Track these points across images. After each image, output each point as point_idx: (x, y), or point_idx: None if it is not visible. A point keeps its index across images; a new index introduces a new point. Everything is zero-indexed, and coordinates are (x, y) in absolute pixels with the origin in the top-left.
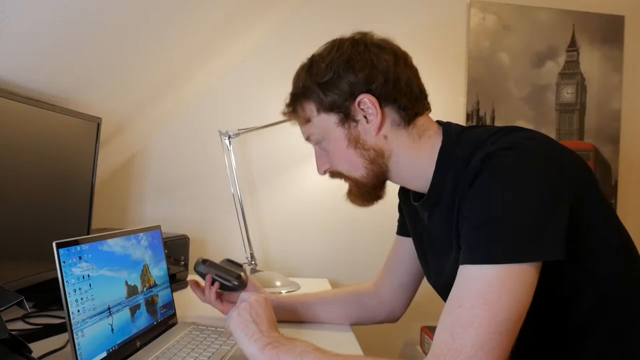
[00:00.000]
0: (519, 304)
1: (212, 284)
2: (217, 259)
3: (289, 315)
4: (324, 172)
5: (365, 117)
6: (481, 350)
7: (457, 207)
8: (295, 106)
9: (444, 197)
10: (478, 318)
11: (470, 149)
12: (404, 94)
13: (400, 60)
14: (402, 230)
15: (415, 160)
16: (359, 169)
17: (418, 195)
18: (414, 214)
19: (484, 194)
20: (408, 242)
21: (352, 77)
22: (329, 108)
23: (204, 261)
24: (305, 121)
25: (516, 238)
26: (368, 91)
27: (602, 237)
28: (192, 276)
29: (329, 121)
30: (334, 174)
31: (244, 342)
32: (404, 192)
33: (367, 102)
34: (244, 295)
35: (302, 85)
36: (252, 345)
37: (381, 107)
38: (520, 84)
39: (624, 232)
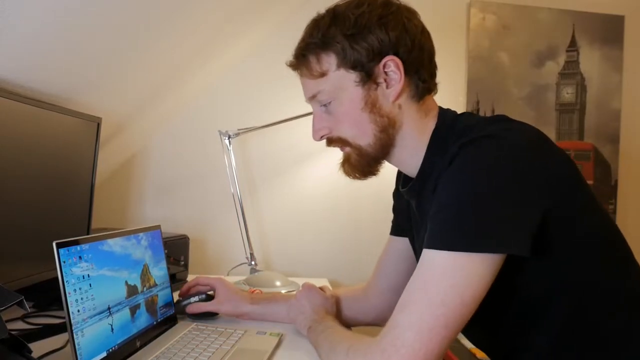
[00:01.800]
0: (460, 292)
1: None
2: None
3: (276, 316)
4: (321, 138)
5: (386, 81)
6: (410, 330)
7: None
8: (308, 56)
9: (429, 183)
10: (415, 300)
11: (458, 136)
12: (425, 66)
13: (425, 30)
14: (395, 230)
15: (417, 139)
16: (368, 135)
17: (407, 182)
18: (409, 211)
19: (453, 179)
20: (400, 242)
21: (383, 34)
22: (352, 65)
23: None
24: (318, 75)
25: (469, 228)
26: (395, 54)
27: (586, 240)
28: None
29: (347, 79)
30: (332, 141)
31: (301, 330)
32: (398, 191)
33: (392, 65)
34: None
35: (322, 35)
36: (303, 330)
37: (404, 73)
38: (520, 84)
39: (617, 237)
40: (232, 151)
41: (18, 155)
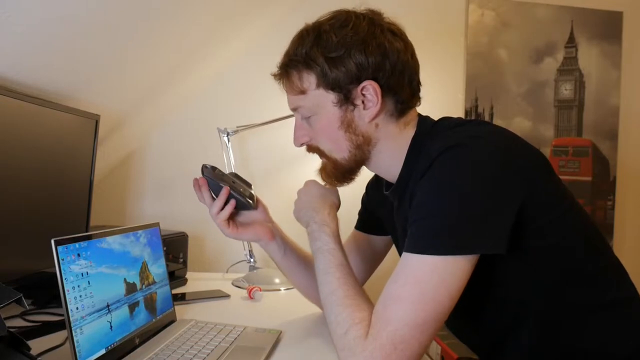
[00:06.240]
0: (448, 288)
1: (228, 199)
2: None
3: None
4: (301, 145)
5: (363, 102)
6: (406, 325)
7: (413, 194)
8: (290, 72)
9: (410, 186)
10: (407, 294)
11: (434, 139)
12: (405, 88)
13: (409, 51)
14: (361, 225)
15: (396, 150)
16: (343, 151)
17: (389, 186)
18: (389, 210)
19: (432, 186)
20: (361, 238)
21: (362, 59)
22: (331, 86)
23: (213, 168)
24: (298, 92)
25: (453, 234)
26: (374, 78)
27: (561, 229)
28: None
29: (325, 98)
30: (312, 149)
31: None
32: (374, 189)
33: (370, 89)
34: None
35: (305, 53)
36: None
37: (382, 97)
38: (518, 80)
39: (589, 224)
40: (230, 148)
41: (17, 152)
